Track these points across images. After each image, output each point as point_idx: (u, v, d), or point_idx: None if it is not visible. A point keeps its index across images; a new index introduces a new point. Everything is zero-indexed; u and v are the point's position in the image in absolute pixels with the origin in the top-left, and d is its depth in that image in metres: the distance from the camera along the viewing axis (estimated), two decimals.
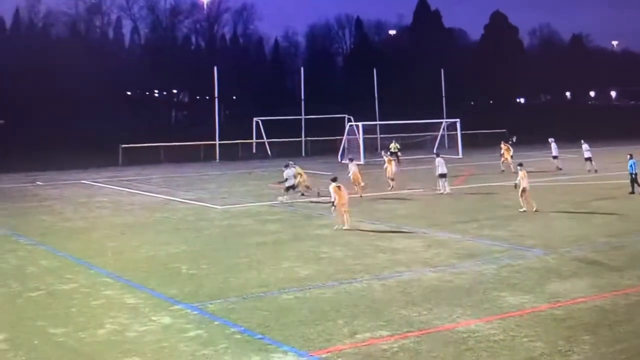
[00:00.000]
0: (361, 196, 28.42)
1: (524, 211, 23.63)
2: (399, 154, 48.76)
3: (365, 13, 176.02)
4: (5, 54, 79.76)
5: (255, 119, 63.88)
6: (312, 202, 27.80)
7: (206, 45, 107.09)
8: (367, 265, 16.01)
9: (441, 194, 29.27)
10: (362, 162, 49.14)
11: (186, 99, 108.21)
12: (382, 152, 36.02)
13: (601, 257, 16.36)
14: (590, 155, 38.02)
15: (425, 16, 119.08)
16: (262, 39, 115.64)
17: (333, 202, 21.50)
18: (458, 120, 57.52)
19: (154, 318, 12.12)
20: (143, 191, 33.99)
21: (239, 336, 11.00)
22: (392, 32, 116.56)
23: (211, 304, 12.97)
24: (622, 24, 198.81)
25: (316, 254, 17.53)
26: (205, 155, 56.32)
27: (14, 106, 75.06)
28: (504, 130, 63.04)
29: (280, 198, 27.90)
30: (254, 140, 63.23)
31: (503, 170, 38.53)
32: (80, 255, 17.98)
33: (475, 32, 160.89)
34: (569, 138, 52.18)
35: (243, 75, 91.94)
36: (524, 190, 23.92)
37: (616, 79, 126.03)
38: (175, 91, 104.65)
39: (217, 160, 54.92)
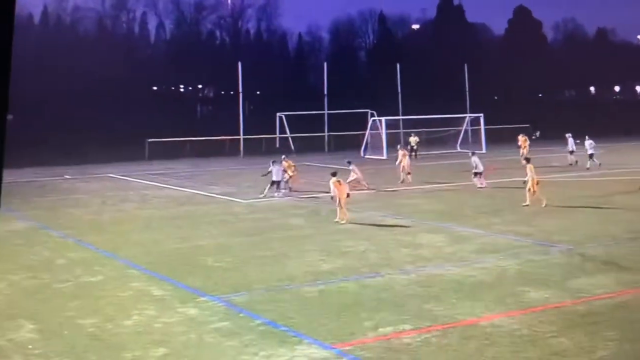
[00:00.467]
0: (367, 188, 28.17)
1: (527, 205, 23.67)
2: (416, 148, 48.70)
3: (388, 8, 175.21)
4: (34, 49, 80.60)
5: (278, 114, 64.03)
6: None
7: (230, 41, 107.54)
8: (390, 259, 16.11)
9: (481, 187, 29.19)
10: (384, 156, 49.17)
11: (211, 94, 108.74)
12: (398, 147, 35.95)
13: (625, 253, 16.31)
14: (593, 152, 37.47)
15: (449, 11, 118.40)
16: (286, 34, 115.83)
17: (332, 197, 21.93)
18: (481, 115, 57.26)
19: (180, 310, 12.31)
20: (169, 185, 34.30)
21: (263, 328, 11.16)
22: (415, 26, 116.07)
23: (236, 296, 13.15)
24: None
25: (340, 248, 17.65)
26: (229, 150, 56.62)
27: (42, 100, 75.90)
28: (528, 125, 62.67)
29: (265, 192, 27.73)
30: (277, 135, 63.41)
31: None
32: (108, 248, 18.28)
33: (498, 26, 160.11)
34: (594, 133, 51.73)
35: (267, 71, 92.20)
36: (532, 185, 23.99)
37: None
38: (200, 86, 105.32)
39: (242, 155, 55.17)
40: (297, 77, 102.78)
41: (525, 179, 24.43)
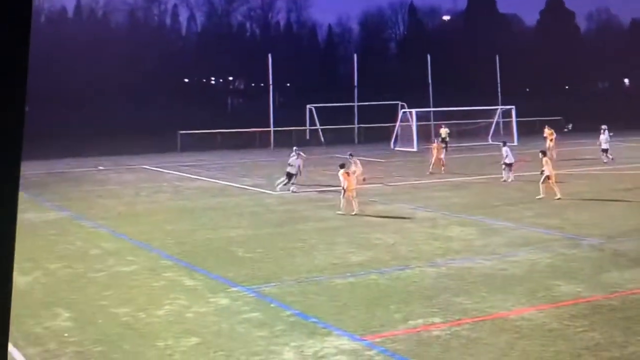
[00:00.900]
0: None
1: (541, 198, 23.63)
2: (447, 140, 48.49)
3: None
4: (68, 43, 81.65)
5: (308, 106, 64.05)
6: (367, 188, 27.88)
7: (260, 33, 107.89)
8: (420, 252, 16.12)
9: (504, 181, 29.02)
10: (415, 149, 49.02)
11: (241, 87, 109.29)
12: (435, 140, 35.81)
13: None
14: (608, 147, 36.87)
15: (480, 1, 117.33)
16: (315, 25, 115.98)
17: (343, 188, 22.10)
18: (513, 107, 56.75)
19: (211, 300, 12.47)
20: (201, 176, 34.55)
21: (293, 319, 11.26)
22: (446, 17, 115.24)
23: (267, 287, 13.28)
24: None
25: (369, 240, 17.69)
26: (260, 142, 56.84)
27: (77, 92, 76.95)
28: (560, 118, 62.02)
29: (280, 183, 27.41)
30: (308, 127, 63.48)
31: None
32: (141, 238, 18.53)
33: (530, 17, 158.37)
34: (628, 125, 51.18)
35: (297, 63, 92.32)
36: (547, 177, 23.99)
37: None
38: (230, 78, 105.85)
39: (272, 147, 55.37)
40: (327, 68, 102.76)
41: (543, 169, 24.44)
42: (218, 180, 32.79)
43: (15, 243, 1.64)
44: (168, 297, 12.67)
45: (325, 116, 63.19)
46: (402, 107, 57.91)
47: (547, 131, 40.65)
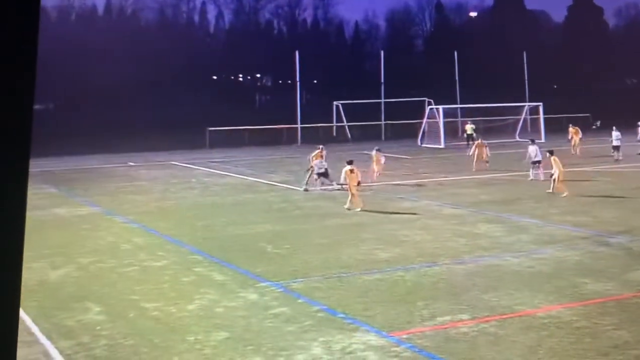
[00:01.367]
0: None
1: (550, 192, 23.97)
2: (474, 136, 48.29)
3: None
4: (98, 40, 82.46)
5: (335, 102, 64.16)
6: (393, 185, 27.94)
7: (288, 30, 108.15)
8: (447, 249, 16.14)
9: (532, 179, 28.91)
10: (442, 145, 48.93)
11: (269, 83, 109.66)
12: (479, 140, 35.52)
13: None
14: (619, 144, 36.41)
15: None
16: (342, 22, 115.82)
17: (345, 184, 22.72)
18: (540, 104, 56.40)
19: (241, 295, 12.61)
20: (229, 173, 34.81)
21: (322, 315, 11.36)
22: (473, 14, 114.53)
23: (295, 282, 13.40)
24: None
25: (396, 237, 17.74)
26: (287, 139, 57.03)
27: (107, 89, 77.72)
28: (588, 115, 61.46)
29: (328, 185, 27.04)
30: (334, 123, 63.56)
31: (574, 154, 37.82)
32: (171, 233, 18.74)
33: (558, 13, 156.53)
34: None
35: (323, 59, 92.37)
36: (559, 175, 24.14)
37: None
38: (258, 75, 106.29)
39: (299, 144, 55.53)
40: (353, 65, 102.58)
41: (552, 171, 24.49)
42: (246, 176, 33.02)
43: (24, 242, 1.70)
44: (198, 292, 12.83)
45: (352, 113, 63.22)
46: (429, 103, 57.78)
47: (571, 130, 40.31)
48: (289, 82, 78.10)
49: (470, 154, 33.80)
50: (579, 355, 9.38)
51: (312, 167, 27.10)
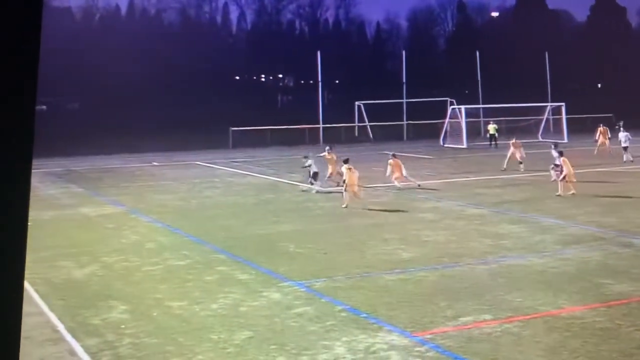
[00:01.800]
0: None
1: (558, 195, 23.79)
2: (497, 136, 48.06)
3: None
4: (121, 40, 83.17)
5: (357, 102, 64.15)
6: (415, 187, 27.87)
7: (309, 30, 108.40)
8: (470, 249, 16.11)
9: (554, 180, 28.79)
10: (464, 145, 48.76)
11: (291, 84, 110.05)
12: (513, 140, 35.32)
13: None
14: (628, 145, 35.95)
15: None
16: (364, 22, 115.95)
17: (344, 181, 23.05)
18: (563, 104, 56.06)
19: (264, 294, 12.68)
20: (252, 172, 34.95)
21: (345, 314, 11.39)
22: (495, 14, 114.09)
23: (317, 282, 13.44)
24: None
25: (419, 237, 17.73)
26: (309, 139, 57.10)
27: (130, 89, 78.41)
28: (611, 115, 60.91)
29: (314, 188, 27.00)
30: (356, 123, 63.54)
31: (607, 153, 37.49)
32: (195, 233, 18.86)
33: (580, 13, 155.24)
34: None
35: (345, 59, 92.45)
36: (568, 174, 24.09)
37: None
38: (280, 76, 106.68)
39: (321, 144, 55.57)
40: (375, 65, 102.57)
41: (564, 173, 24.41)
42: (268, 176, 33.14)
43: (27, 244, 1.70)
44: (221, 291, 12.91)
45: (374, 113, 63.15)
46: (451, 103, 57.62)
47: (601, 129, 39.98)
48: (311, 82, 78.25)
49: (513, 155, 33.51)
50: (603, 357, 9.34)
51: (332, 172, 27.43)
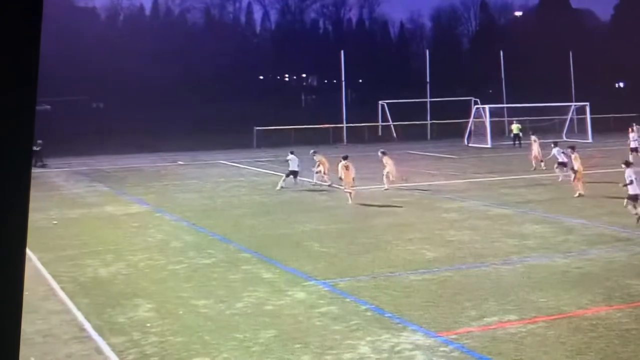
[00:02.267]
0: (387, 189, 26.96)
1: (581, 195, 23.50)
2: (521, 135, 47.79)
3: None
4: (145, 40, 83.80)
5: (380, 102, 64.10)
6: (440, 185, 27.84)
7: (333, 30, 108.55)
8: (495, 249, 16.07)
9: (561, 180, 28.68)
10: (489, 145, 48.55)
11: (314, 83, 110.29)
12: (531, 135, 35.22)
13: None
14: (637, 146, 35.42)
15: None
16: (387, 22, 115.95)
17: (340, 178, 24.01)
18: (587, 103, 55.64)
19: (288, 293, 12.74)
20: (276, 172, 34.99)
21: (369, 314, 11.41)
22: (518, 13, 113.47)
23: (342, 281, 13.48)
24: None
25: (443, 237, 17.71)
26: (333, 138, 57.13)
27: (154, 88, 78.99)
28: (635, 114, 60.30)
29: (280, 183, 28.17)
30: (380, 123, 63.49)
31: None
32: (220, 232, 18.99)
33: (604, 12, 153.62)
34: None
35: (369, 59, 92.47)
36: (578, 173, 23.87)
37: None
38: (304, 75, 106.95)
39: (345, 143, 55.59)
40: (399, 64, 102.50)
41: (575, 168, 24.26)
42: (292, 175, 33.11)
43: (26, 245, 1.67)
44: (246, 290, 12.99)
45: (398, 112, 63.05)
46: (475, 103, 57.40)
47: (636, 127, 39.63)
48: (335, 81, 78.30)
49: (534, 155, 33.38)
50: (629, 358, 9.29)
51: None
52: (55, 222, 21.11)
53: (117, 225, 20.68)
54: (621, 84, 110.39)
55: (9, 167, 1.56)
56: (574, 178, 24.36)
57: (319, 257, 15.67)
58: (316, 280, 13.55)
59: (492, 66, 69.07)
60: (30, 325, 11.13)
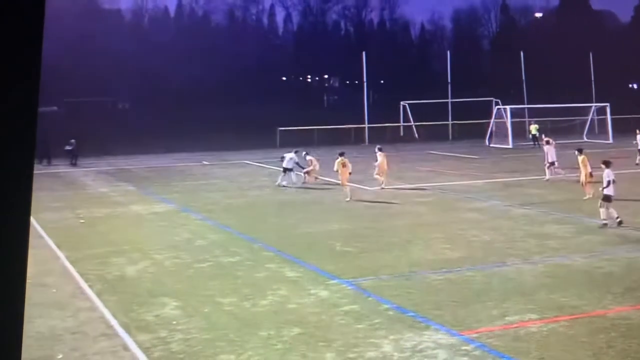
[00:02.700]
0: (383, 188, 27.20)
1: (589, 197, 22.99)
2: (537, 135, 47.53)
3: None
4: (170, 41, 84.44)
5: (402, 102, 64.12)
6: (462, 185, 27.85)
7: (355, 31, 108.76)
8: (517, 249, 16.13)
9: (550, 178, 28.79)
10: (510, 145, 48.42)
11: (336, 84, 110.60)
12: (544, 137, 34.95)
13: None
14: None
15: None
16: (408, 23, 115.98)
17: (335, 170, 24.85)
18: (608, 104, 55.27)
19: (312, 291, 12.91)
20: (299, 172, 35.14)
21: (391, 313, 11.54)
22: (538, 14, 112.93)
23: (364, 280, 13.62)
24: None
25: (465, 237, 17.79)
26: (355, 138, 57.20)
27: (178, 89, 79.56)
28: None
29: (279, 181, 29.01)
30: (401, 123, 63.49)
31: None
32: (244, 230, 19.19)
33: (624, 13, 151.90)
34: None
35: (390, 60, 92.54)
36: (585, 176, 23.51)
37: None
38: (326, 76, 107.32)
39: (366, 143, 55.63)
40: (420, 65, 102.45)
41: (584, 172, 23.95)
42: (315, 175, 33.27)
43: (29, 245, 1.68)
44: (270, 288, 13.16)
45: (419, 112, 63.00)
46: (496, 103, 57.24)
47: None
48: (356, 82, 78.50)
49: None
50: None
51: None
52: (82, 220, 21.46)
53: (143, 224, 20.97)
54: (634, 85, 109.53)
55: (11, 167, 1.56)
56: (583, 183, 23.80)
57: (342, 256, 15.82)
58: (339, 279, 13.70)
59: (512, 67, 68.79)
60: (59, 322, 11.40)
